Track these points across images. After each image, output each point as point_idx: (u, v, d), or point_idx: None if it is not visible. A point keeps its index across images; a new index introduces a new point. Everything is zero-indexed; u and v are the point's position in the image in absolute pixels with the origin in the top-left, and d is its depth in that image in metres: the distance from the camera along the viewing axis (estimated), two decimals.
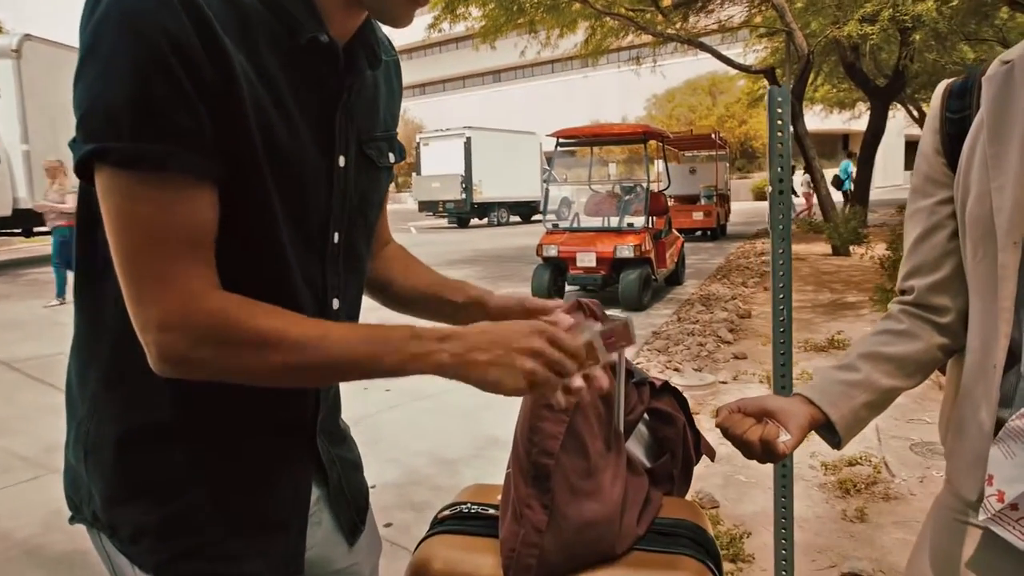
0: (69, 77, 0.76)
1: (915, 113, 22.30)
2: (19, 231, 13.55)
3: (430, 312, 1.18)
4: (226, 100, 0.77)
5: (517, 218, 26.35)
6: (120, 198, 0.76)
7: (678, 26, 14.20)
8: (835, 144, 37.30)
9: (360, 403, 4.51)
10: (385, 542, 1.27)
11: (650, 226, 8.52)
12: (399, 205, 39.68)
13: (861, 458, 3.58)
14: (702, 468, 1.56)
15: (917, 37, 11.64)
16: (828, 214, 12.68)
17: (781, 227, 1.83)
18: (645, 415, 1.44)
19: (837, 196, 15.93)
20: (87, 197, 0.85)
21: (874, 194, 18.01)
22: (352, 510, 1.11)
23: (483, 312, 1.12)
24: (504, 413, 4.16)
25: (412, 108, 47.33)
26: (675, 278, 9.75)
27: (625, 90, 38.71)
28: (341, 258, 0.97)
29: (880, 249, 8.63)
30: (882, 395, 1.06)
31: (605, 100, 43.40)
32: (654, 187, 9.17)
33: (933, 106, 1.05)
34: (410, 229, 22.88)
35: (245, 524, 0.93)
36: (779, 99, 1.77)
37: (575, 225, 9.12)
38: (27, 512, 3.24)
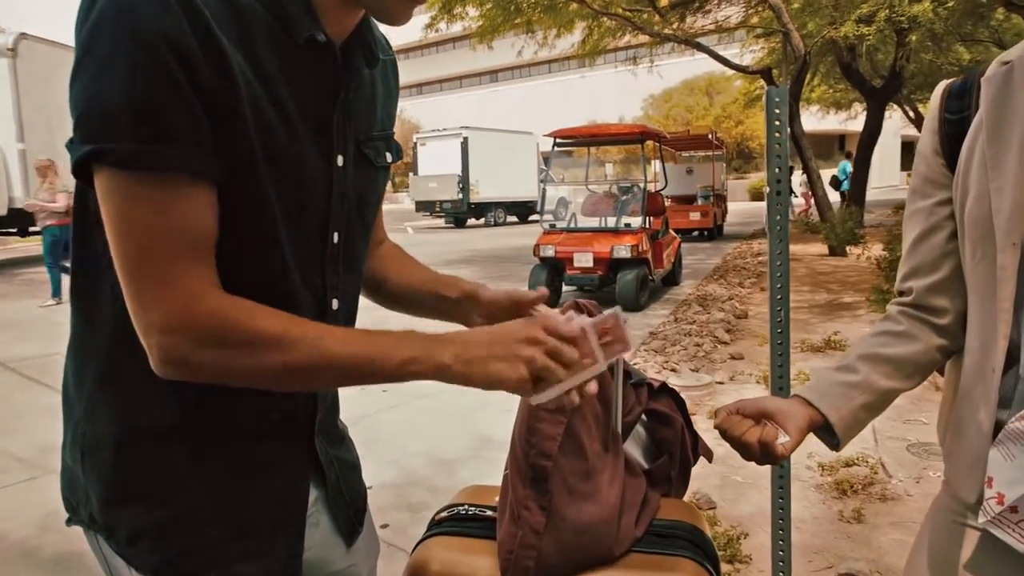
0: (65, 76, 0.76)
1: (911, 114, 22.34)
2: (15, 231, 13.53)
3: (425, 309, 1.17)
4: (224, 99, 0.77)
5: (514, 218, 26.35)
6: (119, 199, 0.75)
7: (675, 26, 14.22)
8: (831, 145, 37.40)
9: (357, 403, 4.51)
10: (382, 543, 1.26)
11: (647, 226, 8.51)
12: (396, 205, 39.68)
13: (858, 459, 3.58)
14: (698, 469, 1.56)
15: (913, 38, 11.67)
16: (825, 214, 12.71)
17: (779, 227, 1.83)
18: (643, 416, 1.44)
19: (835, 196, 15.97)
20: (84, 198, 0.85)
21: (870, 195, 18.06)
22: (350, 511, 1.10)
23: (476, 305, 1.11)
24: (500, 413, 4.17)
25: (409, 108, 47.30)
26: (672, 278, 9.76)
27: (622, 90, 38.79)
28: (340, 258, 0.97)
29: (876, 250, 8.66)
30: (881, 396, 1.06)
31: (602, 100, 43.44)
32: (651, 187, 9.16)
33: (932, 107, 1.05)
34: (407, 229, 22.87)
35: (243, 525, 0.93)
36: (777, 99, 1.77)
37: (572, 225, 9.11)
38: (23, 513, 3.23)
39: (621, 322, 0.94)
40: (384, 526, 3.03)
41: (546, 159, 11.01)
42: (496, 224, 24.94)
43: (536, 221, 13.86)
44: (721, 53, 13.46)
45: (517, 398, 1.09)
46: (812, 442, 1.08)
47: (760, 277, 10.07)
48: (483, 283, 1.15)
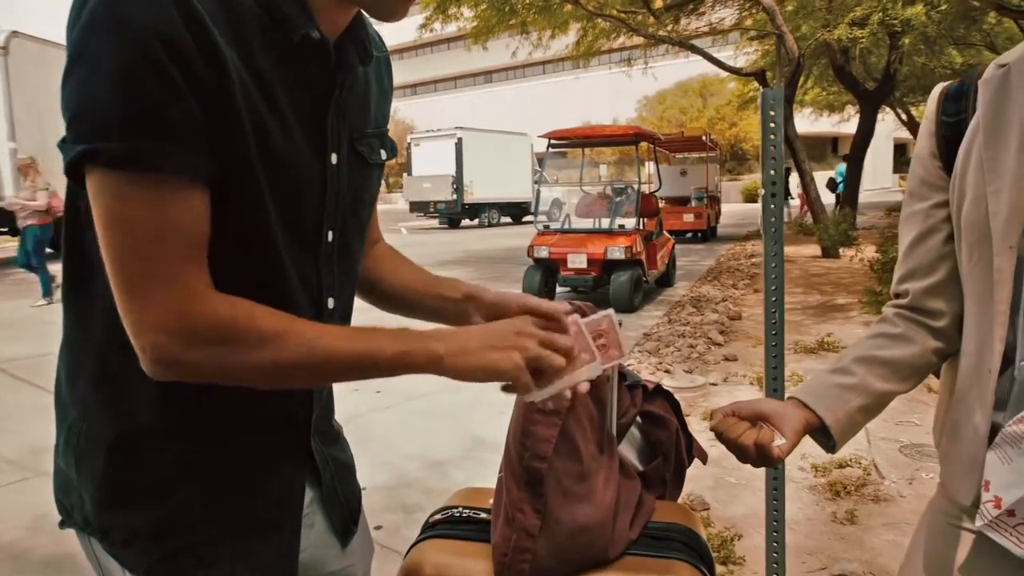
0: (57, 75, 0.75)
1: (904, 116, 22.43)
2: (5, 230, 13.44)
3: (423, 310, 1.15)
4: (218, 98, 0.76)
5: (508, 219, 26.36)
6: (111, 199, 0.74)
7: (669, 28, 14.23)
8: (824, 147, 37.54)
9: (350, 403, 4.49)
10: (375, 545, 1.25)
11: (641, 228, 8.53)
12: (390, 205, 39.63)
13: (851, 460, 3.59)
14: (692, 470, 1.56)
15: (906, 41, 11.73)
16: (818, 216, 12.75)
17: (773, 229, 1.83)
18: (638, 418, 1.44)
19: (829, 199, 16.01)
20: (75, 199, 0.84)
21: (863, 197, 18.12)
22: (345, 511, 1.10)
23: (479, 306, 1.09)
24: (494, 415, 4.16)
25: (403, 108, 47.28)
26: (666, 280, 9.77)
27: (616, 92, 38.82)
28: (335, 257, 0.96)
29: (870, 252, 8.68)
30: (876, 399, 1.05)
31: (596, 101, 43.50)
32: (645, 189, 9.17)
33: (929, 109, 1.05)
34: (400, 230, 22.84)
35: (238, 524, 0.92)
36: (772, 101, 1.77)
37: (566, 226, 9.10)
38: (13, 515, 3.21)
39: (616, 326, 0.94)
40: (377, 528, 3.02)
41: (540, 160, 11.01)
42: (490, 225, 24.94)
43: (530, 222, 13.88)
44: (715, 55, 13.49)
45: (511, 399, 1.09)
46: (806, 443, 1.08)
47: (753, 279, 10.10)
48: (480, 284, 1.15)
